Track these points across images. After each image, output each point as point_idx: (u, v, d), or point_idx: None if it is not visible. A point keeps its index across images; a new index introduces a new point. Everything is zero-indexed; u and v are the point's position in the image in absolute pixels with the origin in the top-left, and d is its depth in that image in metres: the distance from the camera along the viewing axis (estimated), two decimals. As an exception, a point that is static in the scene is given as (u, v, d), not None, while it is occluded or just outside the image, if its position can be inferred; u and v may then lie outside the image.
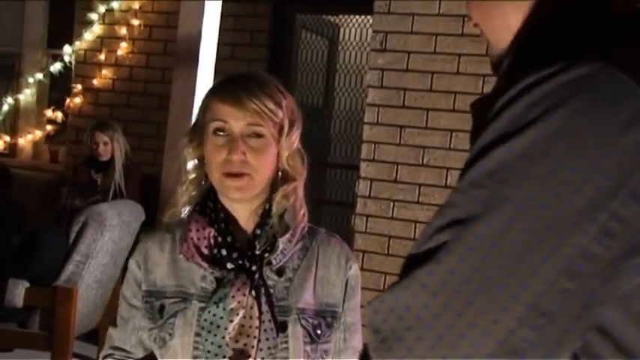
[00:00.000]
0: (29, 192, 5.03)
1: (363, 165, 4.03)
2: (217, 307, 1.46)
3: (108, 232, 3.62)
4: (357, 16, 5.99)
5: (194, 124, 1.57)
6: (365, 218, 4.00)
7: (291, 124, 1.52)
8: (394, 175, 3.95)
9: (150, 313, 1.53)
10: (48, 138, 6.09)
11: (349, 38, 6.10)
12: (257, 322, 1.46)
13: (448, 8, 3.87)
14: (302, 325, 1.49)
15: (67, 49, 5.67)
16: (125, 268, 3.94)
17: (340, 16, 6.16)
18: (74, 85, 5.78)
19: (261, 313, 1.47)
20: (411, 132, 3.93)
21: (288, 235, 1.51)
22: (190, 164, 1.57)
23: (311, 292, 1.52)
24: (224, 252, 1.49)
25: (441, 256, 0.74)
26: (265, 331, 1.46)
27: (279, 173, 1.53)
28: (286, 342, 1.48)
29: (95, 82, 5.72)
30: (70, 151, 5.82)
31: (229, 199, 1.52)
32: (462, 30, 3.81)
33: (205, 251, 1.50)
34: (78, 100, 5.77)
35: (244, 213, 1.53)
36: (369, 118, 4.03)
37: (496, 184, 0.73)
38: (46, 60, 6.08)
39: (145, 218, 4.01)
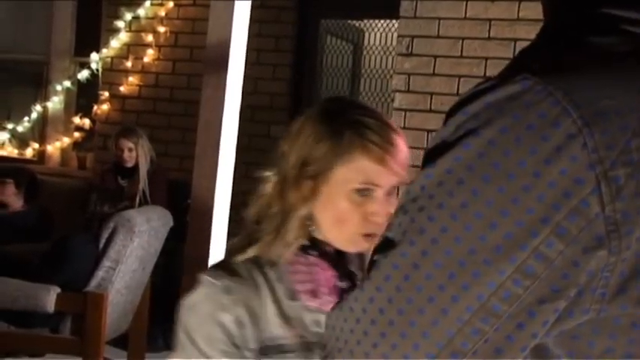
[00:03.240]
0: (57, 198, 5.09)
1: (389, 169, 4.03)
2: None
3: (137, 238, 3.65)
4: (382, 21, 6.00)
5: (308, 164, 1.29)
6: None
7: None
8: (421, 179, 3.94)
9: None
10: (76, 145, 6.16)
11: (374, 43, 6.10)
12: None
13: (475, 12, 3.87)
14: None
15: (94, 56, 5.74)
16: (154, 274, 3.99)
17: (365, 21, 6.17)
18: (101, 92, 5.84)
19: None
20: (438, 136, 3.93)
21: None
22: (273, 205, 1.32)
23: None
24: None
25: (365, 282, 0.74)
26: None
27: None
28: None
29: (122, 89, 5.78)
30: (97, 157, 5.88)
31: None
32: (489, 33, 3.81)
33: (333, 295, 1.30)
34: (105, 107, 5.83)
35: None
36: (396, 122, 4.03)
37: (416, 211, 0.71)
38: (74, 67, 6.14)
39: (172, 224, 4.04)
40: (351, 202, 1.27)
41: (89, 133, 5.99)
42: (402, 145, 1.30)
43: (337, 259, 1.34)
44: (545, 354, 0.70)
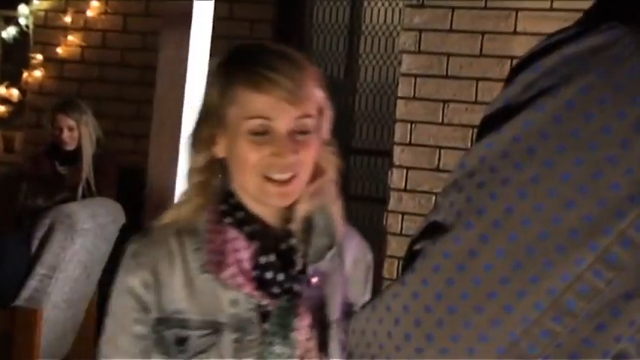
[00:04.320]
0: (-22, 189, 5.09)
1: (396, 150, 4.05)
2: (284, 345, 1.47)
3: (80, 238, 3.66)
4: (387, -37, 6.00)
5: (204, 113, 1.55)
6: (400, 216, 4.02)
7: (327, 108, 1.55)
8: (436, 162, 3.97)
9: (161, 346, 1.50)
10: (1, 122, 6.15)
11: (377, -9, 6.10)
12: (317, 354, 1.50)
13: (502, -49, 3.88)
14: (339, 340, 1.54)
15: (22, 9, 5.73)
16: (103, 284, 4.00)
17: (365, -36, 6.17)
18: (32, 54, 5.83)
19: (327, 348, 1.51)
20: (457, 108, 3.94)
21: (333, 251, 1.54)
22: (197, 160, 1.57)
23: (342, 296, 1.57)
24: (269, 274, 1.50)
25: (407, 275, 0.75)
26: None
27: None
28: None
29: (59, 50, 5.77)
30: (28, 137, 5.87)
31: (265, 205, 1.53)
32: (520, -22, 3.82)
33: (250, 273, 1.49)
34: (38, 73, 5.81)
35: (269, 214, 1.55)
36: (404, 91, 4.04)
37: (473, 188, 0.72)
38: (-3, 24, 6.13)
39: (125, 220, 4.05)
40: (250, 143, 1.47)
41: (18, 107, 5.99)
42: (297, 74, 1.47)
43: (263, 230, 1.52)
44: None
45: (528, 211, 0.68)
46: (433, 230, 0.74)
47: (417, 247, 0.76)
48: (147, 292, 1.51)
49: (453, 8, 3.95)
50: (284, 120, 1.47)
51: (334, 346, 1.52)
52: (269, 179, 1.47)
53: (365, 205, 5.56)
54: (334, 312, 1.54)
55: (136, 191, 4.38)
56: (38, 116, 5.63)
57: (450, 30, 3.96)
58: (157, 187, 2.90)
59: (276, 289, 1.50)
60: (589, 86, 0.68)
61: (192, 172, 1.56)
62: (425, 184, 3.99)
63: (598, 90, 0.68)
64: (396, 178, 4.05)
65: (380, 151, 5.56)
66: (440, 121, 3.97)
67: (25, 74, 5.85)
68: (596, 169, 0.67)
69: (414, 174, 4.00)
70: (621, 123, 0.67)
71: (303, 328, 1.49)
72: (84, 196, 4.63)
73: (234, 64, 1.53)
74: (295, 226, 1.53)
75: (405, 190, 4.02)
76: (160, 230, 1.55)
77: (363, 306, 0.80)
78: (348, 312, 1.56)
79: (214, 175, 1.55)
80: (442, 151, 3.96)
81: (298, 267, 1.52)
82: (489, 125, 0.73)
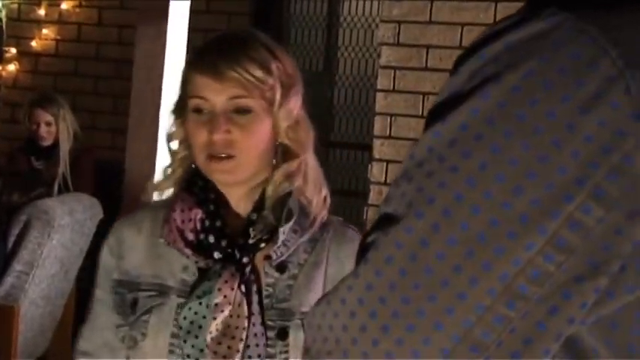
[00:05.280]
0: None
1: (376, 143, 4.06)
2: (200, 303, 1.54)
3: (57, 235, 3.64)
4: (365, -45, 6.00)
5: (178, 98, 1.66)
6: (380, 211, 4.02)
7: (287, 90, 1.60)
8: (416, 155, 3.97)
9: (120, 307, 1.62)
10: (-25, 117, 6.12)
11: (355, -17, 6.10)
12: (245, 323, 1.54)
13: (481, -58, 3.89)
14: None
15: (-4, 3, 5.70)
16: (80, 279, 3.99)
17: (343, -45, 6.16)
18: (6, 48, 5.80)
19: (251, 313, 1.55)
20: (437, 100, 3.95)
21: (291, 224, 1.59)
22: (175, 143, 1.68)
23: (319, 292, 1.58)
24: (211, 238, 1.58)
25: (360, 267, 0.75)
26: (255, 335, 1.55)
27: (279, 149, 1.61)
28: (286, 352, 1.56)
29: (33, 44, 5.75)
30: (2, 132, 5.84)
31: (217, 182, 1.62)
32: (500, -31, 3.83)
33: (190, 236, 1.59)
34: (11, 67, 5.79)
35: (237, 196, 1.62)
36: (383, 83, 4.05)
37: (423, 177, 0.72)
38: (-30, 17, 6.09)
39: (102, 216, 4.03)
40: (194, 122, 1.59)
41: (-8, 102, 5.96)
42: (238, 55, 1.56)
43: (217, 198, 1.62)
44: (579, 346, 0.72)
45: (477, 198, 0.69)
46: (385, 222, 0.74)
47: (370, 239, 0.75)
48: (110, 257, 1.64)
49: (432, 0, 3.96)
50: (219, 100, 1.56)
51: (297, 338, 1.55)
52: (210, 157, 1.56)
53: (345, 199, 5.57)
54: (302, 303, 1.57)
55: (113, 186, 4.37)
56: (13, 111, 5.61)
57: (430, 22, 3.97)
58: (134, 182, 2.90)
59: (217, 254, 1.57)
60: (533, 71, 0.69)
61: (169, 138, 1.69)
62: (405, 177, 3.99)
63: (542, 74, 0.69)
64: (376, 171, 4.06)
65: (360, 144, 5.57)
66: (420, 113, 3.97)
67: (-1, 68, 5.82)
68: (542, 153, 0.68)
69: (395, 167, 4.01)
70: (565, 106, 0.68)
71: (225, 291, 1.53)
72: (60, 192, 4.61)
73: (196, 50, 1.72)
74: (260, 205, 1.60)
75: (385, 183, 4.03)
76: (145, 208, 1.71)
77: (319, 301, 0.80)
78: None
79: (182, 150, 1.66)
80: (422, 143, 3.96)
81: (250, 240, 1.58)
82: (437, 115, 0.74)
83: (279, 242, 1.58)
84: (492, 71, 0.70)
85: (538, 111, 0.68)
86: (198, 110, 1.58)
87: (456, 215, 0.69)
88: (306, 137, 1.63)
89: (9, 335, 3.34)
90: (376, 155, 4.06)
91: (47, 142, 4.74)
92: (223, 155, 1.56)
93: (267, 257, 1.59)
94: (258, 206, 1.60)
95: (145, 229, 1.64)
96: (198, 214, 1.60)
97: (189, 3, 2.88)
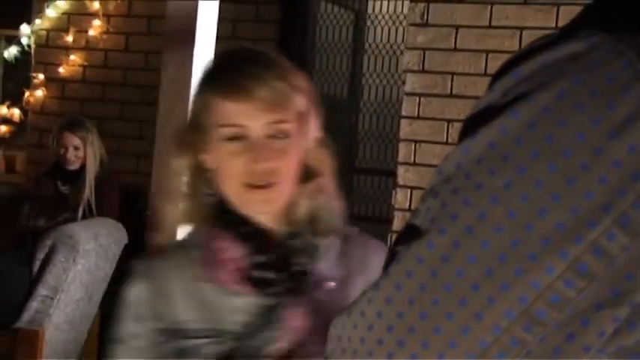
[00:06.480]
0: (-21, 210, 5.10)
1: (400, 170, 4.06)
2: (259, 340, 1.48)
3: (82, 259, 3.67)
4: (390, -18, 6.02)
5: (190, 124, 1.58)
6: (404, 237, 4.02)
7: (314, 107, 1.57)
8: (441, 182, 3.97)
9: (163, 358, 1.52)
10: (2, 142, 6.16)
11: (380, 10, 6.13)
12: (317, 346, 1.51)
13: (506, -30, 3.90)
14: None
15: (24, 29, 5.75)
16: (105, 304, 4.00)
17: (369, -18, 6.20)
18: (34, 74, 5.84)
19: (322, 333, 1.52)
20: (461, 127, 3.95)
21: (328, 240, 1.56)
22: (184, 173, 1.60)
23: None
24: (270, 274, 1.51)
25: (381, 280, 0.75)
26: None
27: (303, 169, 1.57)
28: None
29: (61, 70, 5.79)
30: (30, 157, 5.89)
31: (252, 212, 1.55)
32: (525, -3, 3.84)
33: (244, 274, 1.51)
34: (39, 93, 5.83)
35: (268, 222, 1.55)
36: (408, 110, 4.06)
37: (448, 194, 0.73)
38: (-1, 43, 6.16)
39: (127, 241, 4.05)
40: (228, 153, 1.50)
41: (19, 127, 6.00)
42: (270, 79, 1.48)
43: (257, 231, 1.53)
44: None
45: (501, 217, 0.69)
46: (410, 234, 0.75)
47: (395, 250, 0.76)
48: (147, 304, 1.54)
49: (457, 27, 3.97)
50: (257, 126, 1.48)
51: None
52: (250, 186, 1.49)
53: (369, 225, 5.56)
54: None
55: (138, 211, 4.39)
56: (40, 136, 5.65)
57: (455, 49, 3.98)
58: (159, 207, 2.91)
59: (275, 289, 1.50)
60: (565, 92, 0.69)
61: (174, 175, 1.61)
62: (429, 204, 3.98)
63: (574, 96, 0.69)
64: (400, 197, 4.06)
65: (384, 170, 5.57)
66: (444, 140, 3.97)
67: (27, 94, 5.85)
68: (569, 176, 0.67)
69: (419, 194, 4.00)
70: (595, 129, 0.67)
71: (288, 327, 1.48)
72: (84, 217, 4.63)
73: (211, 72, 1.59)
74: (294, 227, 1.55)
75: (409, 209, 4.02)
76: (162, 247, 1.62)
77: (340, 312, 0.81)
78: None
79: (200, 183, 1.57)
80: (447, 170, 3.96)
81: (297, 267, 1.53)
82: (469, 127, 0.74)
83: (321, 260, 1.54)
84: (525, 90, 0.71)
85: (567, 133, 0.68)
86: (232, 139, 1.49)
87: (478, 233, 0.70)
88: (328, 156, 1.60)
89: (33, 359, 3.35)
90: (400, 182, 4.06)
91: (74, 166, 4.76)
92: (263, 184, 1.49)
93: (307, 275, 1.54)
94: (294, 229, 1.55)
95: (184, 271, 1.54)
96: (242, 249, 1.52)
97: (215, 29, 2.90)
